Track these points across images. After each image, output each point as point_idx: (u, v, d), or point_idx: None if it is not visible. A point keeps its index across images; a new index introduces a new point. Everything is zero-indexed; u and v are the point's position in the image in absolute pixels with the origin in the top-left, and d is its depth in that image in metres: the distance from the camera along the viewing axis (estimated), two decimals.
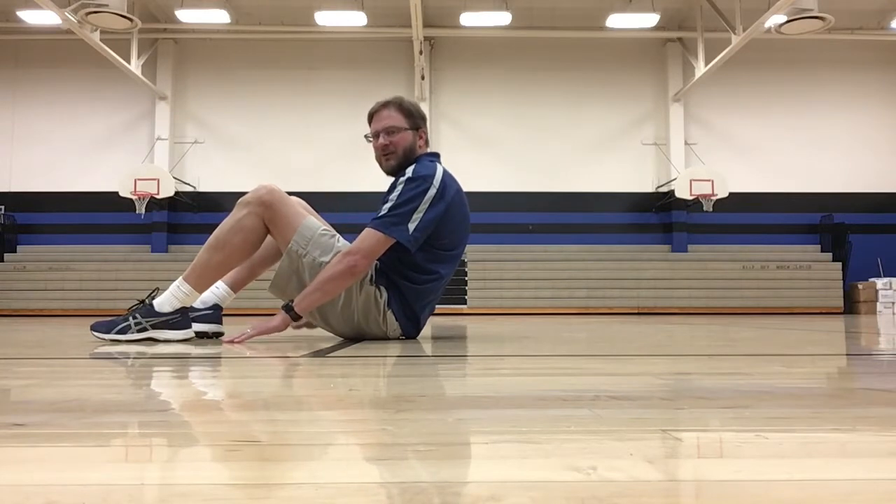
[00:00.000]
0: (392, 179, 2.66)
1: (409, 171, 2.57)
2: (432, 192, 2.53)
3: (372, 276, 2.61)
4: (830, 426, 0.86)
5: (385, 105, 2.71)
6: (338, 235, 2.61)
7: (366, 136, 2.76)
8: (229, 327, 2.77)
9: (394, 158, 2.67)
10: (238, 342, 2.44)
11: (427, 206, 2.51)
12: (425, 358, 1.92)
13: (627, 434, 0.80)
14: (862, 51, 12.69)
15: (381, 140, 2.68)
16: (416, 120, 2.71)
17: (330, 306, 2.57)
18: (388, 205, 2.51)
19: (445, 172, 2.63)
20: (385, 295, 2.60)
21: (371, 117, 2.74)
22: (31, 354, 2.16)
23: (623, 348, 2.36)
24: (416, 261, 2.58)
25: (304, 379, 1.46)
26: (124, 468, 0.65)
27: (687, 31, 12.31)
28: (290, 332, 2.80)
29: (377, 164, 2.76)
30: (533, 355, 2.01)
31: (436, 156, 2.76)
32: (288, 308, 2.46)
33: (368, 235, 2.48)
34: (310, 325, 2.85)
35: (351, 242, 2.54)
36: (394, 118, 2.68)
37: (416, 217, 2.49)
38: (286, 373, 1.58)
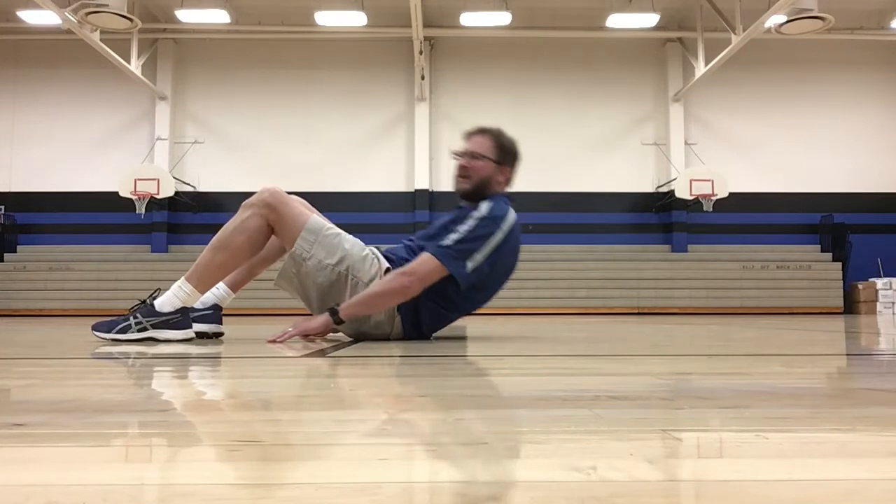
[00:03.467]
0: (460, 202, 2.70)
1: (485, 209, 2.56)
2: (499, 236, 2.54)
3: None
4: (830, 426, 0.86)
5: (482, 131, 2.73)
6: (342, 234, 2.61)
7: (453, 153, 2.77)
8: (229, 327, 2.77)
9: (468, 183, 2.68)
10: (280, 341, 2.46)
11: (490, 249, 2.52)
12: (425, 358, 1.92)
13: (627, 434, 0.80)
14: (862, 51, 12.69)
15: (461, 161, 2.70)
16: (504, 155, 2.70)
17: (338, 293, 2.57)
18: (454, 235, 2.50)
19: (516, 220, 2.63)
20: (402, 307, 2.61)
21: (465, 136, 2.76)
22: (31, 354, 2.16)
23: (623, 348, 2.36)
24: (451, 292, 2.56)
25: (304, 379, 1.46)
26: (124, 468, 0.65)
27: (687, 31, 12.30)
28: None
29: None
30: (533, 355, 2.01)
31: (510, 199, 2.73)
32: (333, 312, 2.46)
33: (427, 261, 2.47)
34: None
35: (355, 239, 2.59)
36: (483, 146, 2.69)
37: (478, 258, 2.50)
38: (286, 373, 1.58)
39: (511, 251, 2.64)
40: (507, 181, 2.75)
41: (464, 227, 2.51)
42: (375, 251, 2.70)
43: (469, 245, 2.49)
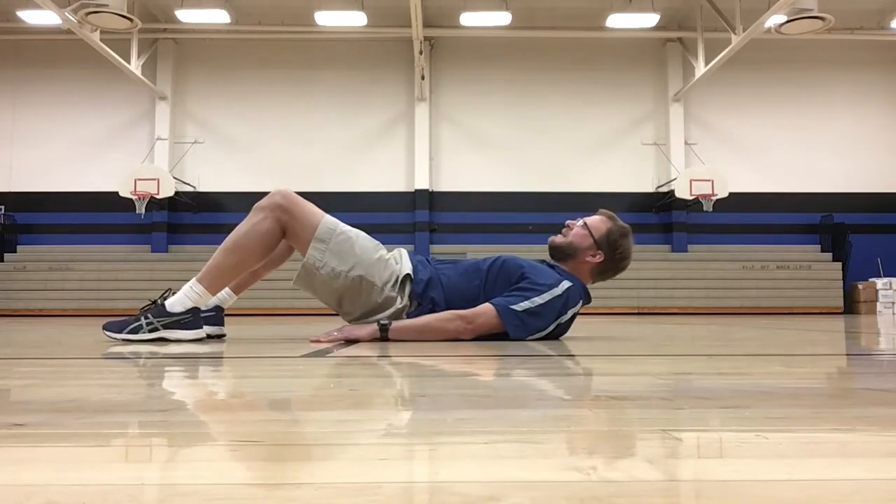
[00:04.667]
0: (544, 258, 2.79)
1: (563, 289, 2.61)
2: (562, 319, 2.63)
3: (414, 291, 2.62)
4: (830, 426, 0.86)
5: (607, 215, 2.83)
6: (353, 237, 2.61)
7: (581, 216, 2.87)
8: (230, 327, 2.77)
9: (561, 239, 2.79)
10: (323, 341, 2.48)
11: (549, 326, 2.60)
12: (425, 358, 1.92)
13: (627, 434, 0.80)
14: (862, 51, 12.69)
15: (574, 220, 2.81)
16: (605, 243, 2.75)
17: (355, 296, 2.59)
18: (526, 304, 2.54)
19: (579, 309, 2.71)
20: (414, 310, 2.61)
21: (596, 211, 2.88)
22: (31, 354, 2.16)
23: (623, 348, 2.36)
24: (490, 334, 2.60)
25: (304, 379, 1.46)
26: (124, 468, 0.65)
27: (687, 31, 12.30)
28: (294, 332, 2.81)
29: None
30: (533, 355, 2.01)
31: (587, 293, 2.78)
32: (383, 328, 2.49)
33: (490, 315, 2.53)
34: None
35: (368, 241, 2.63)
36: (595, 224, 2.78)
37: (538, 335, 2.59)
38: (286, 373, 1.58)
39: (562, 331, 2.72)
40: (595, 269, 2.78)
41: (538, 299, 2.56)
42: (397, 254, 2.72)
43: (537, 322, 2.56)
